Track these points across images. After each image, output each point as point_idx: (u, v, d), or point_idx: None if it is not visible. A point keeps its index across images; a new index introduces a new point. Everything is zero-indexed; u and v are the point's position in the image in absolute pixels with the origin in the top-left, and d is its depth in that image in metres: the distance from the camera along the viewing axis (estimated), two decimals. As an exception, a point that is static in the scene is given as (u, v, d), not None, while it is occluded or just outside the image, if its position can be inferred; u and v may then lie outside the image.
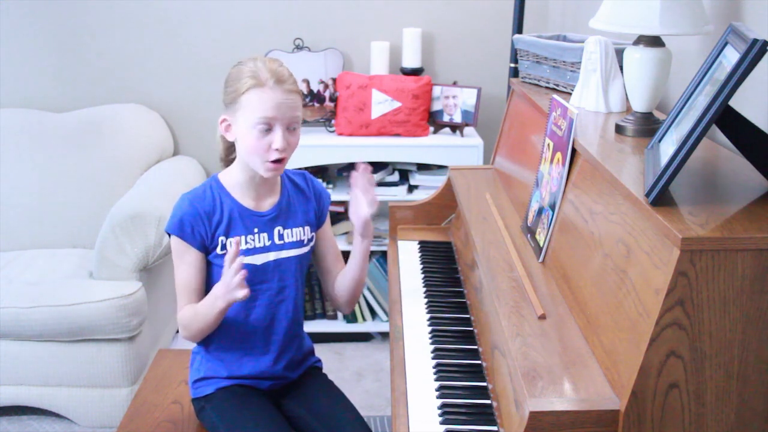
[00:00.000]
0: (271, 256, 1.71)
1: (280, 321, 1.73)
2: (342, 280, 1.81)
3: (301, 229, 1.75)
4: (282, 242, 1.72)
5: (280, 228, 1.72)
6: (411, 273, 2.10)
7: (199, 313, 1.65)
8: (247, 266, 1.68)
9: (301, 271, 1.78)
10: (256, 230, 1.69)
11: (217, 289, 1.61)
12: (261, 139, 1.60)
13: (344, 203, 3.15)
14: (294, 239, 1.74)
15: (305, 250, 1.77)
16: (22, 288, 2.53)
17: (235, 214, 1.68)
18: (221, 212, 1.67)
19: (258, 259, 1.69)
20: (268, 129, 1.60)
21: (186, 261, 1.67)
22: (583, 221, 1.49)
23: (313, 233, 1.79)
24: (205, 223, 1.66)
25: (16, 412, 2.66)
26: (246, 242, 1.68)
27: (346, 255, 3.13)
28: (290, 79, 1.64)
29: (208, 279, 1.71)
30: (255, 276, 1.69)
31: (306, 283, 1.83)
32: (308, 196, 1.79)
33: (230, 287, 1.55)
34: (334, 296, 1.85)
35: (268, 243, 1.71)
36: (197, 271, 1.68)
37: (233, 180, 1.70)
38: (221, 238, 1.67)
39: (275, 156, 1.61)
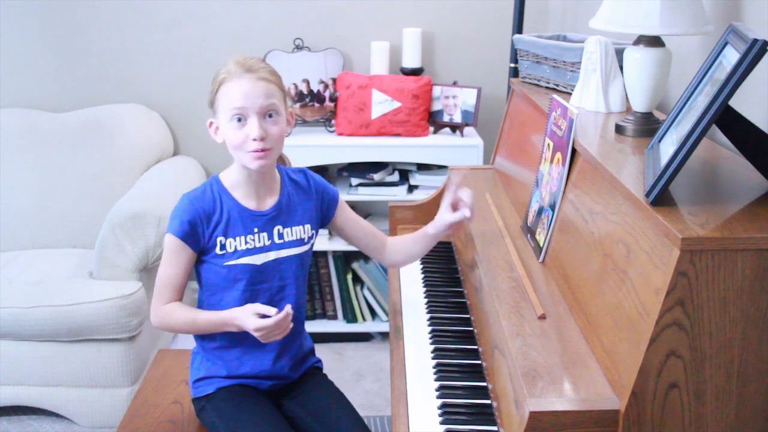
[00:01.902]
0: (271, 255, 1.71)
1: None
2: (401, 252, 1.86)
3: (301, 227, 1.75)
4: (282, 241, 1.72)
5: (279, 227, 1.72)
6: (411, 273, 2.10)
7: (199, 325, 1.68)
8: (246, 266, 1.68)
9: (302, 269, 1.78)
10: (255, 230, 1.69)
11: (236, 315, 1.63)
12: (238, 131, 1.61)
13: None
14: (294, 238, 1.74)
15: (306, 248, 1.77)
16: (22, 288, 2.53)
17: (234, 214, 1.68)
18: (221, 212, 1.67)
19: (258, 259, 1.69)
20: (242, 119, 1.60)
21: (178, 260, 1.67)
22: (583, 221, 1.49)
23: (314, 231, 1.79)
24: (204, 223, 1.66)
25: (16, 412, 2.66)
26: (246, 242, 1.68)
27: (346, 254, 3.15)
28: (262, 69, 1.62)
29: (204, 275, 1.71)
30: (255, 276, 1.69)
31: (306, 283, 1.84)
32: (309, 193, 1.78)
33: (269, 333, 1.60)
34: (390, 263, 1.91)
35: (267, 242, 1.70)
36: (185, 272, 1.69)
37: (232, 180, 1.70)
38: (219, 239, 1.67)
39: (253, 146, 1.60)
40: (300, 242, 1.75)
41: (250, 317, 1.61)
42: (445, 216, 1.76)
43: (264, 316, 1.60)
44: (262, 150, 1.60)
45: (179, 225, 1.64)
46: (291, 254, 1.73)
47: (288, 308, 1.60)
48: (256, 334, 1.61)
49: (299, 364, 1.81)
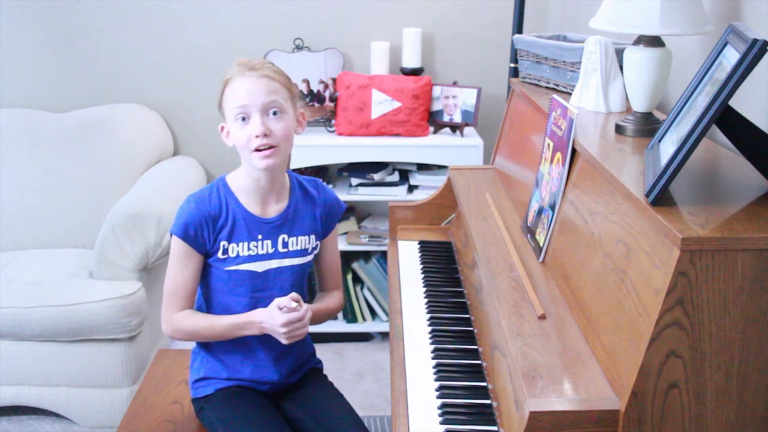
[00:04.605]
0: (274, 263, 1.69)
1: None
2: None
3: (306, 237, 1.73)
4: (285, 250, 1.70)
5: (284, 236, 1.70)
6: (411, 273, 2.10)
7: (218, 330, 1.66)
8: (248, 273, 1.68)
9: (303, 279, 1.77)
10: (260, 237, 1.67)
11: (259, 316, 1.62)
12: (243, 130, 1.60)
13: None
14: (298, 248, 1.72)
15: (308, 258, 1.75)
16: (22, 288, 2.53)
17: (239, 219, 1.66)
18: (226, 216, 1.65)
19: (260, 267, 1.68)
20: (246, 118, 1.60)
21: (187, 265, 1.66)
22: (583, 221, 1.49)
23: (318, 242, 1.77)
24: (209, 227, 1.64)
25: (16, 412, 2.65)
26: (248, 248, 1.67)
27: (346, 254, 3.15)
28: (265, 67, 1.62)
29: (205, 279, 1.70)
30: (256, 283, 1.68)
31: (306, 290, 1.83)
32: (317, 203, 1.76)
33: (294, 330, 1.60)
34: None
35: (271, 250, 1.69)
36: (195, 276, 1.67)
37: (240, 184, 1.68)
38: (223, 243, 1.66)
39: (257, 143, 1.58)
40: (303, 252, 1.73)
41: (277, 313, 1.59)
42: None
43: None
44: (267, 147, 1.59)
45: (183, 228, 1.63)
46: (293, 264, 1.71)
47: (294, 295, 1.62)
48: (281, 331, 1.60)
49: (299, 369, 1.81)
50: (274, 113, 1.60)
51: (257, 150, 1.59)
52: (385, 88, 3.01)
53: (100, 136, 3.03)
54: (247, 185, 1.67)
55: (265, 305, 1.67)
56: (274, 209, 1.70)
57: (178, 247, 1.65)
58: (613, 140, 1.63)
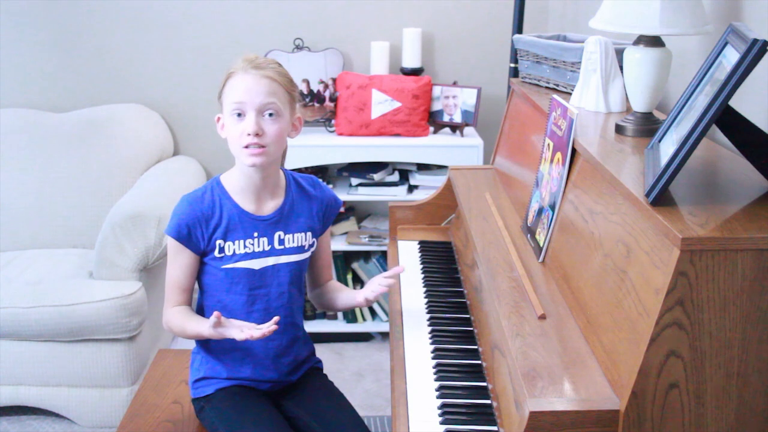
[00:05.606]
0: (270, 261, 1.70)
1: (278, 325, 1.72)
2: (331, 298, 1.85)
3: (302, 234, 1.74)
4: (282, 247, 1.71)
5: (281, 233, 1.71)
6: (411, 273, 2.10)
7: (188, 333, 1.68)
8: (245, 270, 1.68)
9: (300, 276, 1.77)
10: (255, 234, 1.68)
11: (210, 331, 1.61)
12: (237, 125, 1.61)
13: (344, 203, 3.15)
14: (295, 245, 1.72)
15: (305, 255, 1.75)
16: (22, 288, 2.53)
17: (234, 217, 1.66)
18: (220, 216, 1.66)
19: (256, 264, 1.68)
20: (242, 114, 1.60)
21: (179, 261, 1.67)
22: (583, 221, 1.49)
23: (315, 239, 1.78)
24: (202, 227, 1.65)
25: (16, 412, 2.65)
26: (245, 246, 1.67)
27: (346, 254, 3.15)
28: (270, 68, 1.62)
29: (202, 278, 1.71)
30: (253, 280, 1.68)
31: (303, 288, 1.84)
32: (314, 200, 1.76)
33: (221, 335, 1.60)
34: (313, 298, 1.91)
35: (267, 248, 1.69)
36: (189, 273, 1.68)
37: (234, 182, 1.69)
38: (219, 242, 1.66)
39: (247, 141, 1.59)
40: (300, 249, 1.73)
41: (232, 329, 1.58)
42: (380, 280, 1.73)
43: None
44: (257, 146, 1.60)
45: (176, 227, 1.65)
46: (290, 261, 1.72)
47: (215, 316, 1.58)
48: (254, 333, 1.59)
49: (299, 368, 1.81)
50: (270, 114, 1.61)
51: (246, 147, 1.60)
52: (385, 88, 3.01)
53: (100, 136, 3.03)
54: (241, 183, 1.68)
55: (262, 303, 1.69)
56: (270, 206, 1.71)
57: (172, 245, 1.67)
58: (613, 140, 1.63)
